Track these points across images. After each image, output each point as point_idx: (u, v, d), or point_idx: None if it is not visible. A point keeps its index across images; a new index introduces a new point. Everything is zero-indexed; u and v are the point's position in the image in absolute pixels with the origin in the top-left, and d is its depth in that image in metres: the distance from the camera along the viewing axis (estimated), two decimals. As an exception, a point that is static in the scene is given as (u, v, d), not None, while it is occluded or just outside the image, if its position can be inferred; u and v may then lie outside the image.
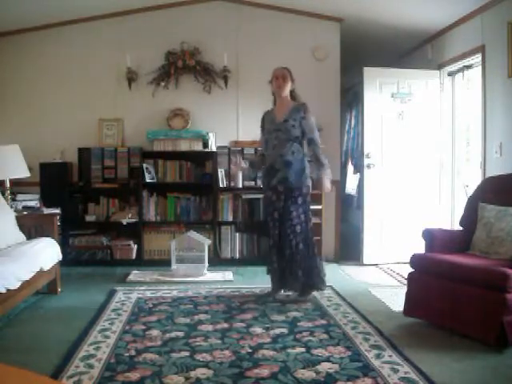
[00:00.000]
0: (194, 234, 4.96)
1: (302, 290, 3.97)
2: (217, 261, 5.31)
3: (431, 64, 5.73)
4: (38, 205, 5.07)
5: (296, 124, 3.97)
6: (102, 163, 5.49)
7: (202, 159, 5.55)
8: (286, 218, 3.93)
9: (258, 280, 4.64)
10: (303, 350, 2.90)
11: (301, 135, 4.00)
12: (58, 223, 4.51)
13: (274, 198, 3.99)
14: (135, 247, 5.38)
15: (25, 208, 4.90)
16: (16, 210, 4.55)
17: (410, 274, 3.54)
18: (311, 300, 3.96)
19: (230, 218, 5.48)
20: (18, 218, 4.14)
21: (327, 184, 4.04)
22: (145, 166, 5.40)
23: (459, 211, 4.34)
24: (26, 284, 3.40)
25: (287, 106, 4.05)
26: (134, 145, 5.55)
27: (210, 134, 5.45)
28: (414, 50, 6.29)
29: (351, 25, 5.67)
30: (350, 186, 7.40)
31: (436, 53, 5.71)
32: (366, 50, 6.53)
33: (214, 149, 5.45)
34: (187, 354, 2.83)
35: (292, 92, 4.11)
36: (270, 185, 4.02)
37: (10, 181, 4.78)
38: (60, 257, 4.16)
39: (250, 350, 2.88)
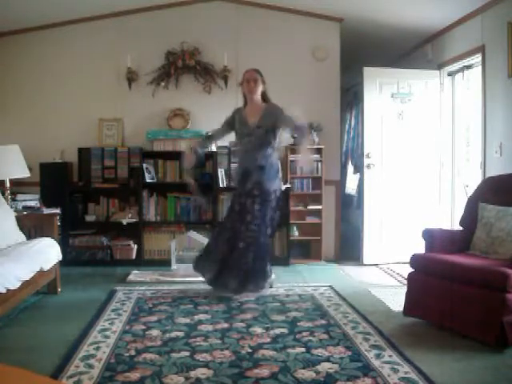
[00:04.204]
0: (194, 234, 4.96)
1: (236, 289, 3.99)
2: (217, 261, 5.30)
3: (431, 64, 5.73)
4: (38, 205, 5.06)
5: (270, 129, 4.02)
6: (102, 163, 5.49)
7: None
8: (259, 220, 3.97)
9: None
10: (303, 349, 2.90)
11: (274, 139, 4.05)
12: (58, 223, 4.52)
13: (248, 201, 4.00)
14: (135, 247, 5.38)
15: (25, 208, 4.90)
16: (16, 210, 4.55)
17: (409, 274, 3.54)
18: (309, 300, 3.96)
19: (230, 218, 5.47)
20: (18, 218, 4.14)
21: (305, 157, 4.21)
22: (145, 166, 5.40)
23: (459, 211, 4.34)
24: (25, 284, 3.40)
25: (259, 109, 4.08)
26: (134, 145, 5.55)
27: (210, 134, 5.45)
28: (413, 49, 6.29)
29: (351, 25, 5.67)
30: (350, 186, 7.40)
31: (436, 53, 5.71)
32: (366, 50, 6.53)
33: (213, 149, 5.45)
34: (187, 353, 2.83)
35: (263, 94, 4.14)
36: (244, 189, 4.04)
37: (10, 181, 4.78)
38: (60, 257, 4.16)
39: (250, 350, 2.88)
